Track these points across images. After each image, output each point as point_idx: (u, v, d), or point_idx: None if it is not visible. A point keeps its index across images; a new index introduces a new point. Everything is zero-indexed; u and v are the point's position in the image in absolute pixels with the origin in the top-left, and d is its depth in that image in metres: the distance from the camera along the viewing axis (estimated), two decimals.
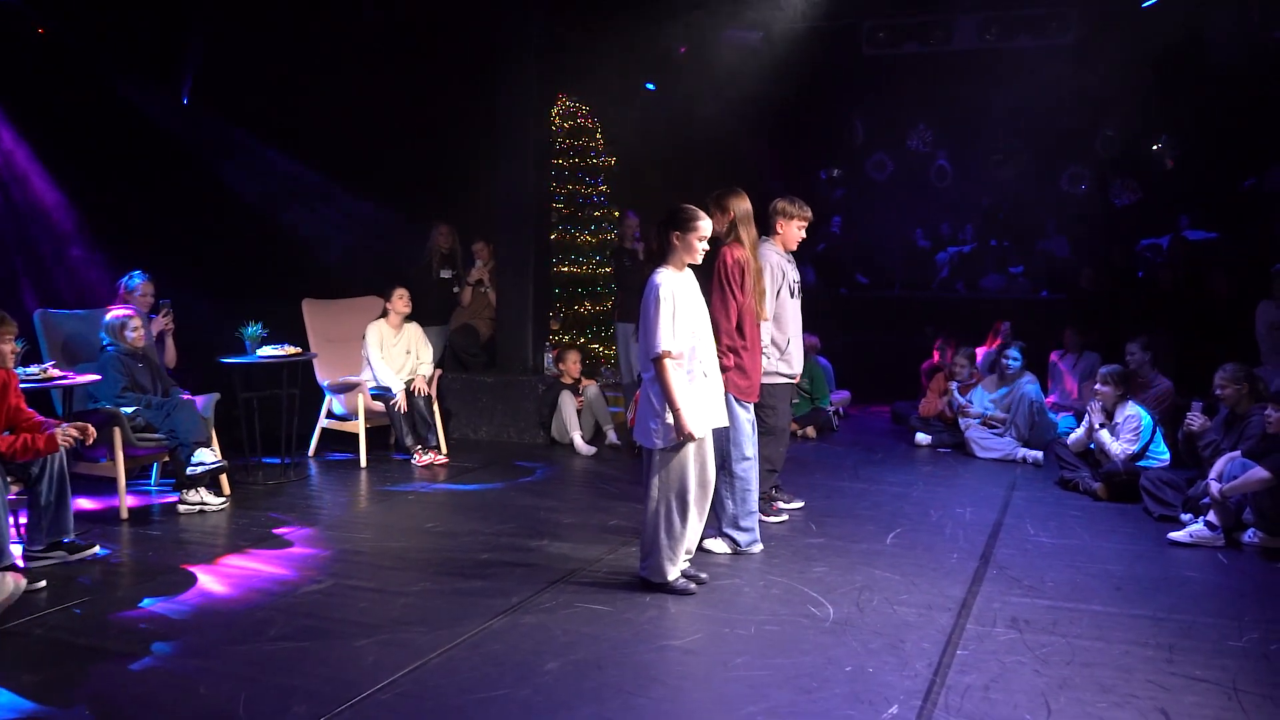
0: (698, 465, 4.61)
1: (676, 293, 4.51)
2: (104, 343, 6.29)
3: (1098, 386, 6.84)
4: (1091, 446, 6.85)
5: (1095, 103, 12.08)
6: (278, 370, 7.03)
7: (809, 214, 5.95)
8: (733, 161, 11.76)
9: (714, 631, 4.22)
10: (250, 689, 3.62)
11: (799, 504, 6.25)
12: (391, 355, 7.83)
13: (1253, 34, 9.82)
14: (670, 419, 4.48)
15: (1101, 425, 6.75)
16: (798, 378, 6.04)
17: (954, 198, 13.79)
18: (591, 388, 8.37)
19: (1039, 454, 7.73)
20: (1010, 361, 8.06)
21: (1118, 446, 6.59)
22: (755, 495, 5.33)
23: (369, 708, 3.49)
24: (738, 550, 5.28)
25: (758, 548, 5.32)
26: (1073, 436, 7.01)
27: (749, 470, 5.27)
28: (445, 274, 9.04)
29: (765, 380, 5.59)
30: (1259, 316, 8.13)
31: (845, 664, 3.87)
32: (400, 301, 7.90)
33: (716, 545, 5.29)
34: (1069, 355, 8.96)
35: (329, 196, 9.84)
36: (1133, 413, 6.66)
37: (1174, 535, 5.59)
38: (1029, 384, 7.99)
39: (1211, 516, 5.51)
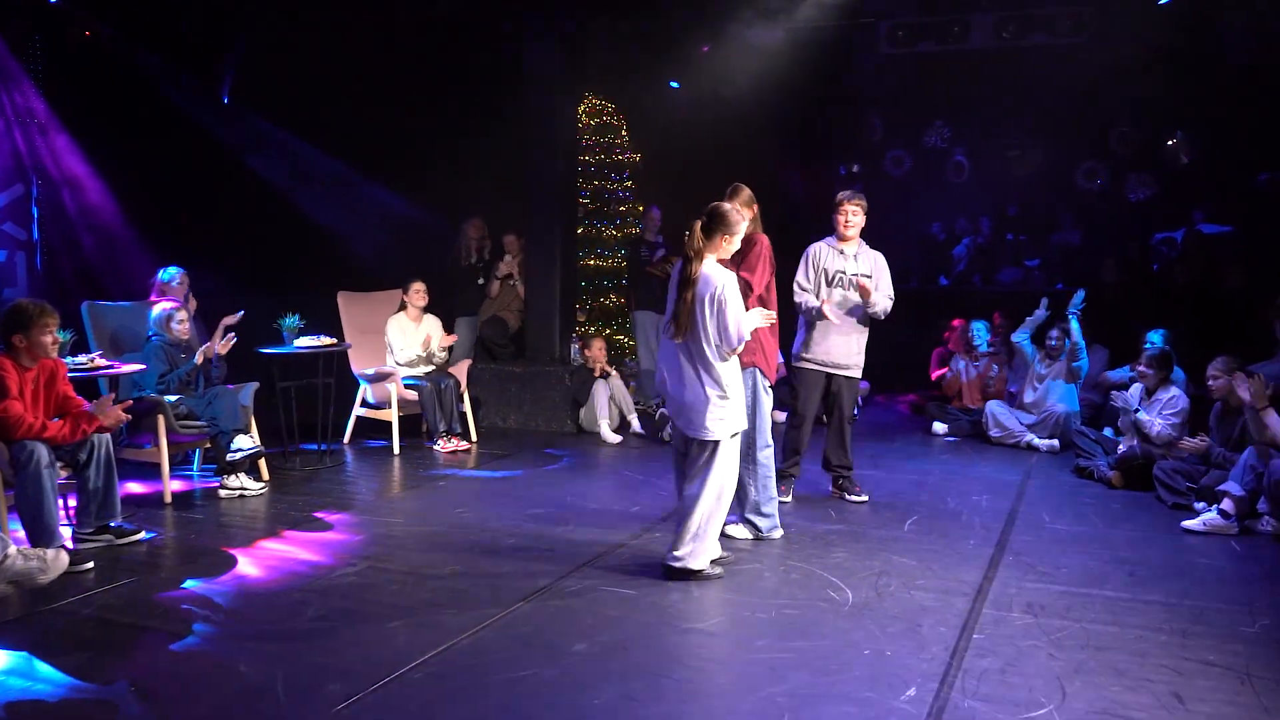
0: (737, 456, 4.68)
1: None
2: (150, 333, 6.34)
3: (1141, 369, 6.75)
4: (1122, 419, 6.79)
5: (1110, 99, 11.93)
6: (314, 360, 7.07)
7: (843, 200, 6.00)
8: (754, 157, 11.71)
9: (736, 615, 4.22)
10: (287, 667, 3.64)
11: (864, 497, 6.16)
12: (412, 345, 7.88)
13: (1267, 29, 9.66)
14: (738, 409, 4.55)
15: (1136, 409, 6.65)
16: (829, 368, 6.00)
17: (971, 193, 13.66)
18: (615, 379, 8.37)
19: (1054, 442, 7.67)
20: (1053, 342, 7.92)
21: (1159, 423, 6.49)
22: (774, 481, 5.31)
23: (401, 687, 3.50)
24: (759, 536, 5.26)
25: (778, 533, 5.30)
26: (1121, 421, 6.94)
27: (770, 457, 5.25)
28: (472, 262, 9.06)
29: (795, 365, 5.62)
30: None
31: (864, 647, 3.85)
32: (416, 295, 7.94)
33: (738, 530, 5.27)
34: None
35: (362, 192, 9.87)
36: (1176, 394, 6.57)
37: (1188, 523, 5.52)
38: (1065, 404, 7.82)
39: (1226, 505, 5.44)
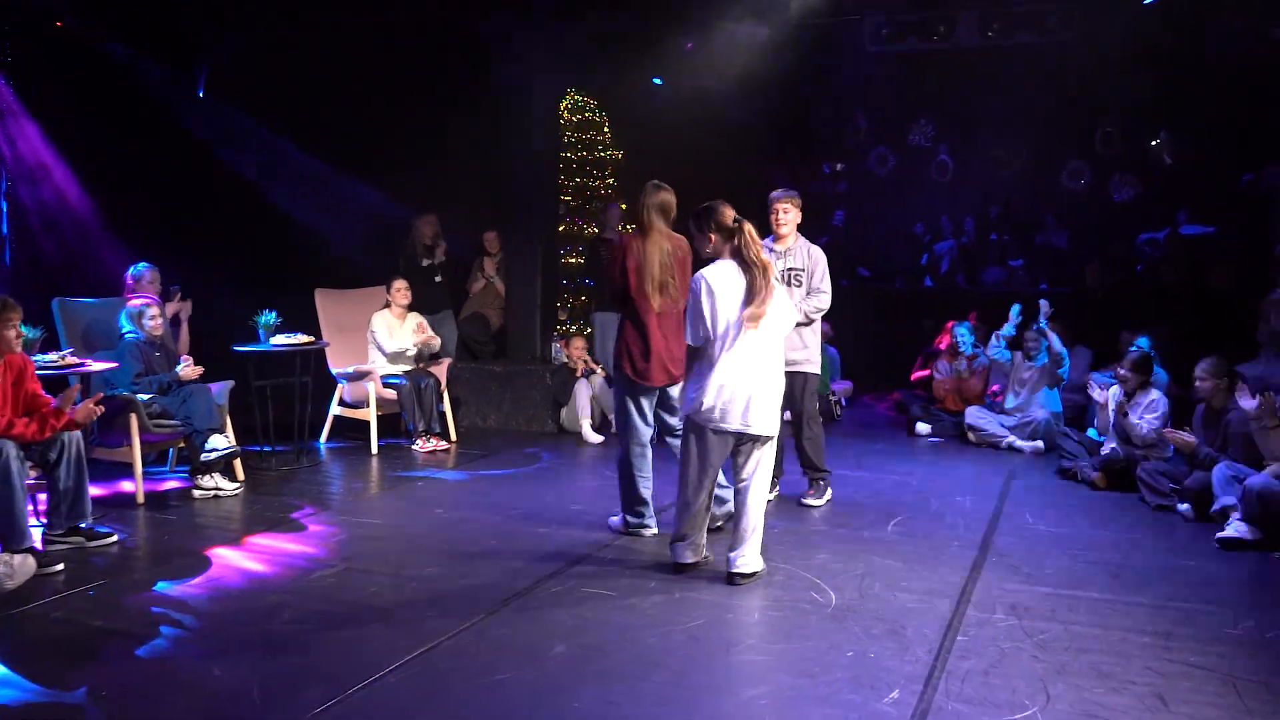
0: None
1: None
2: (124, 330, 6.29)
3: (1121, 372, 6.79)
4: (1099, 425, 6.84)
5: (1095, 99, 12.01)
6: (291, 358, 7.03)
7: (773, 199, 6.01)
8: (737, 155, 11.71)
9: (717, 617, 4.21)
10: (263, 672, 3.62)
11: (817, 503, 6.14)
12: (401, 338, 7.85)
13: (1252, 31, 9.75)
14: None
15: (1124, 412, 6.67)
16: None
17: (954, 192, 13.72)
18: (597, 378, 8.37)
19: (1038, 443, 7.70)
20: (1030, 343, 7.95)
21: (1144, 424, 6.50)
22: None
23: (379, 690, 3.49)
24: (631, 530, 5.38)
25: (649, 531, 5.39)
26: (1099, 421, 6.97)
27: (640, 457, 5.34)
28: (424, 262, 9.01)
29: None
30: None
31: (847, 649, 3.86)
32: (399, 294, 7.90)
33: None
34: None
35: (341, 187, 9.80)
36: (1156, 397, 6.60)
37: (1225, 533, 5.28)
38: (1046, 409, 7.86)
39: (1239, 515, 5.32)
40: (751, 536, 4.60)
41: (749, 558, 4.59)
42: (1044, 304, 7.90)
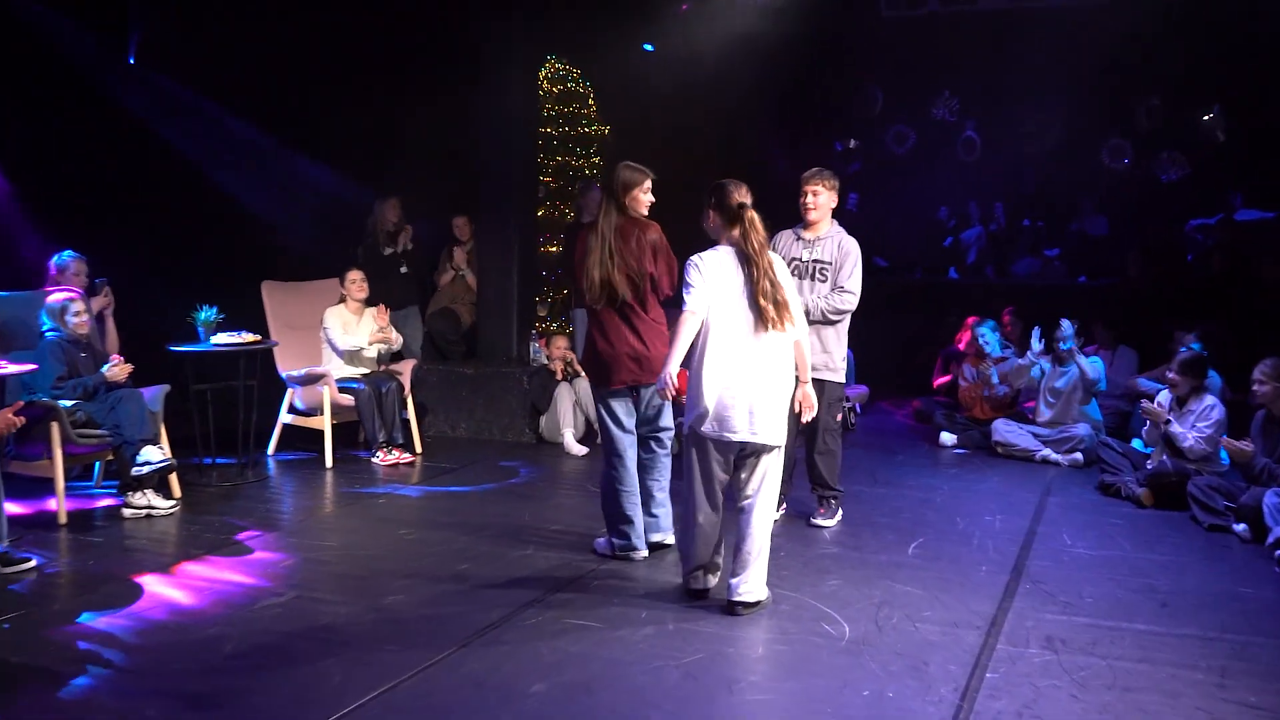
0: None
1: None
2: (44, 328, 6.26)
3: (1171, 376, 6.79)
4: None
5: (1139, 68, 12.03)
6: (234, 360, 7.01)
7: (802, 180, 5.99)
8: (737, 131, 11.72)
9: (716, 651, 4.21)
10: (201, 714, 3.61)
11: (828, 523, 6.14)
12: (356, 340, 7.83)
13: None
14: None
15: (1168, 421, 6.67)
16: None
17: (983, 173, 13.73)
18: (581, 382, 8.35)
19: (1077, 456, 7.70)
20: (1062, 344, 7.94)
21: (1192, 436, 6.50)
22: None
23: None
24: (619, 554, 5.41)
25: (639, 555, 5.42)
26: (1146, 430, 6.98)
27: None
28: (387, 251, 8.99)
29: None
30: None
31: (863, 688, 3.85)
32: (354, 287, 7.86)
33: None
34: (1103, 351, 8.93)
35: (292, 168, 9.77)
36: (1211, 403, 6.60)
37: None
38: (1086, 423, 7.85)
39: None
40: (755, 561, 4.59)
41: (752, 585, 4.59)
42: (1066, 324, 7.85)
